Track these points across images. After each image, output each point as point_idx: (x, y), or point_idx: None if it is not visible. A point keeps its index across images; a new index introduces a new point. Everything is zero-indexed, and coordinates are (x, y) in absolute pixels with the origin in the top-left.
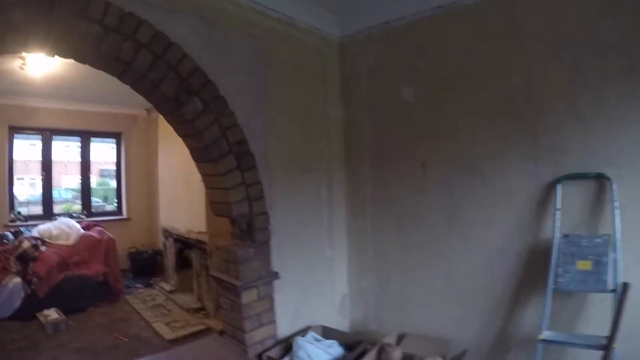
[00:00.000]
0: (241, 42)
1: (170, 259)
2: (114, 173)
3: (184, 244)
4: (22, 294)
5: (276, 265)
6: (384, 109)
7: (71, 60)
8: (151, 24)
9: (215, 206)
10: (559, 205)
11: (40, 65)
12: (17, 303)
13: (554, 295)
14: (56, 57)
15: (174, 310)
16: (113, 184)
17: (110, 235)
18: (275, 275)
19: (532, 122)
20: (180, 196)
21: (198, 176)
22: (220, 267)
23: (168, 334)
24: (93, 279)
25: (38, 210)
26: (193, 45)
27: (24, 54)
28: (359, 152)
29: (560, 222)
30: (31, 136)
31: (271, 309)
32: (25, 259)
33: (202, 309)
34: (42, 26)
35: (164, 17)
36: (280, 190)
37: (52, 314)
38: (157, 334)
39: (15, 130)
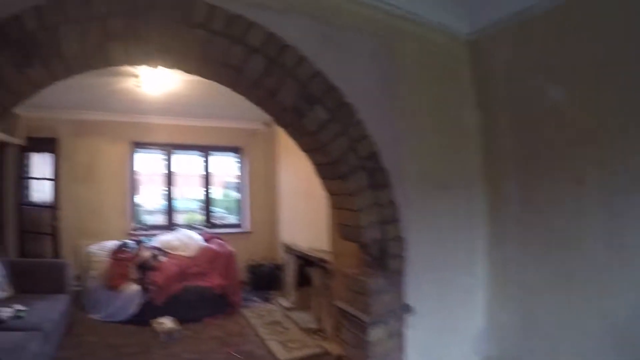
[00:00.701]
0: (362, 42)
1: (290, 275)
2: (236, 185)
3: (305, 261)
4: (140, 301)
5: (410, 297)
6: (526, 113)
7: (186, 78)
8: (262, 26)
9: (344, 229)
10: None
11: (155, 84)
12: (134, 309)
13: None
14: (163, 69)
15: (290, 328)
16: (235, 195)
17: (231, 248)
18: (409, 309)
19: None
20: (301, 212)
21: (320, 192)
22: (346, 297)
23: (282, 353)
24: (211, 291)
25: (160, 220)
26: (310, 48)
27: (136, 71)
28: (500, 165)
29: None
30: (153, 150)
31: (400, 347)
32: (144, 267)
33: (320, 330)
34: (142, 35)
35: (275, 19)
36: (415, 210)
37: (167, 322)
38: (270, 353)
39: (138, 145)
